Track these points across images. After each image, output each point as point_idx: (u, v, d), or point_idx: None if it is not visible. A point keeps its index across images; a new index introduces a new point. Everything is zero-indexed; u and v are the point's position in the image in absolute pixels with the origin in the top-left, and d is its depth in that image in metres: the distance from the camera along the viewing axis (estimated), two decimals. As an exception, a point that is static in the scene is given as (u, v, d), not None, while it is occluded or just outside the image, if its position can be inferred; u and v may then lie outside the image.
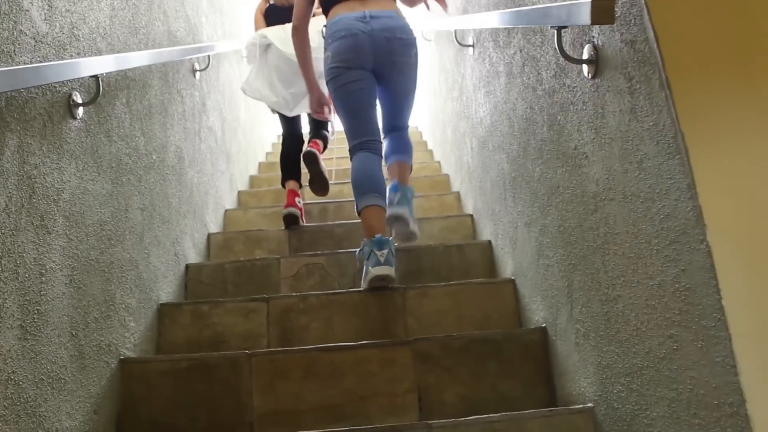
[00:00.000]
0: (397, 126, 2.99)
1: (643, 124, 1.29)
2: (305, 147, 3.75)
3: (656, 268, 1.29)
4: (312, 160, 3.64)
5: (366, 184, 2.70)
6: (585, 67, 1.58)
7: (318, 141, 3.81)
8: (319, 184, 3.66)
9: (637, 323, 1.41)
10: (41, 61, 1.74)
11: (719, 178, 1.11)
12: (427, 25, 4.42)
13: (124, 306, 2.24)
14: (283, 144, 3.93)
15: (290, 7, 3.45)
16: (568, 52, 1.66)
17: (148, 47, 2.67)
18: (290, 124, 3.93)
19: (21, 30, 1.65)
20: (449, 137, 4.24)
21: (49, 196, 1.75)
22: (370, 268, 2.55)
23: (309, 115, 3.85)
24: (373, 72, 2.85)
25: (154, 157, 2.64)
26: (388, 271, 2.53)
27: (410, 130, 3.20)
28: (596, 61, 1.52)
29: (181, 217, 3.01)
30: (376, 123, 2.93)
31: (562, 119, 1.80)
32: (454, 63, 3.78)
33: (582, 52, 1.59)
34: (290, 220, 3.53)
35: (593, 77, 1.54)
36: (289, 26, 3.35)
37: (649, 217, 1.31)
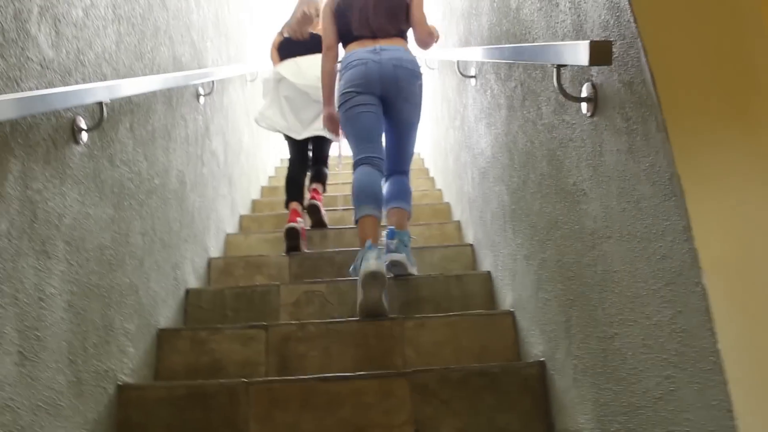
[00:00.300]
0: (398, 169, 3.16)
1: (640, 165, 1.30)
2: (307, 198, 4.05)
3: (653, 308, 1.30)
4: (314, 211, 4.00)
5: (364, 196, 2.91)
6: (584, 105, 1.59)
7: (318, 186, 4.11)
8: (318, 226, 4.04)
9: (635, 362, 1.41)
10: (47, 87, 1.76)
11: (715, 222, 1.11)
12: (430, 54, 4.46)
13: (123, 331, 2.25)
14: (289, 167, 4.14)
15: (303, 41, 4.08)
16: (567, 90, 1.68)
17: (153, 72, 2.69)
18: (298, 149, 4.17)
19: (28, 56, 1.67)
20: (451, 166, 4.26)
21: (51, 221, 1.76)
22: (361, 269, 2.66)
23: (313, 144, 4.19)
24: (381, 99, 3.09)
25: (156, 182, 2.65)
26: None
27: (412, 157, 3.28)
28: (595, 100, 1.54)
29: (182, 242, 3.02)
30: (381, 144, 3.12)
31: (561, 155, 1.81)
32: (457, 92, 3.81)
33: (581, 90, 1.61)
34: (291, 235, 3.64)
35: (592, 115, 1.56)
36: (300, 59, 3.94)
37: (645, 257, 1.31)
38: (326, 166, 4.25)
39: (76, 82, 1.94)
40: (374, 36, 3.14)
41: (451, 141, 4.19)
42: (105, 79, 2.16)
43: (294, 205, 3.89)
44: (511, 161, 2.42)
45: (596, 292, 1.61)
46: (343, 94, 3.11)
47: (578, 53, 1.37)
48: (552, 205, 1.94)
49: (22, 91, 1.63)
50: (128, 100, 2.39)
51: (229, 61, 4.39)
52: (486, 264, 3.13)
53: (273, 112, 4.06)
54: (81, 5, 1.99)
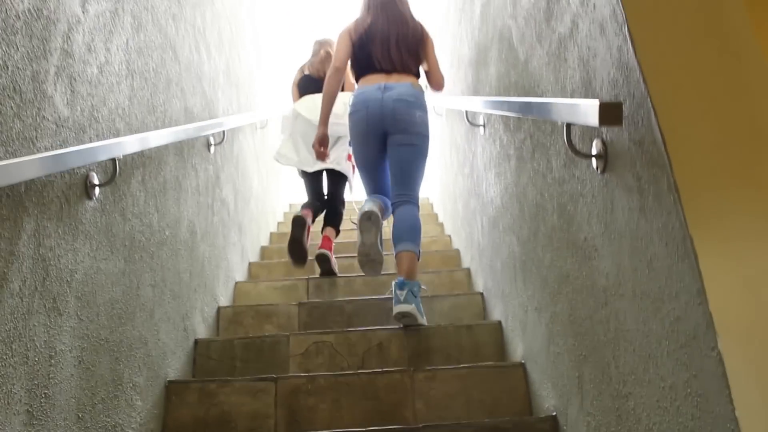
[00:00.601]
0: (405, 197, 3.22)
1: (653, 224, 1.30)
2: (317, 244, 4.14)
3: (667, 370, 1.28)
4: (323, 260, 4.05)
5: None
6: (594, 161, 1.60)
7: (331, 233, 4.19)
8: (328, 275, 4.09)
9: (649, 423, 1.39)
10: (61, 145, 1.78)
11: (730, 285, 1.11)
12: (439, 101, 4.50)
13: (131, 385, 2.23)
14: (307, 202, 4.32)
15: (321, 79, 4.13)
16: (576, 145, 1.69)
17: (165, 124, 2.72)
18: (313, 187, 4.36)
19: (44, 116, 1.69)
20: (460, 212, 4.26)
21: (63, 277, 1.77)
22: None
23: (328, 181, 4.40)
24: (384, 133, 3.27)
25: (167, 233, 2.66)
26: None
27: (421, 202, 3.40)
28: (605, 157, 1.54)
29: (192, 292, 3.01)
30: (387, 182, 3.36)
31: (572, 209, 1.81)
32: (465, 140, 3.83)
33: (591, 147, 1.61)
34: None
35: (602, 172, 1.56)
36: (317, 96, 3.98)
37: (659, 317, 1.30)
38: (341, 205, 4.33)
39: (90, 139, 1.96)
40: (390, 71, 3.32)
41: (460, 187, 4.20)
42: (118, 134, 2.18)
43: (328, 231, 4.16)
44: (521, 212, 2.42)
45: (609, 350, 1.60)
46: (351, 133, 3.41)
47: (588, 113, 1.38)
48: (563, 259, 1.93)
49: (38, 150, 1.64)
50: (140, 153, 2.41)
51: (239, 109, 4.43)
52: (496, 313, 3.12)
53: (287, 149, 4.24)
54: (96, 63, 2.02)
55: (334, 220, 4.25)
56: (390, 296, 3.04)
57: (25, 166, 1.47)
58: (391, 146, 3.26)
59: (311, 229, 4.05)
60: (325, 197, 4.37)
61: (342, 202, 4.33)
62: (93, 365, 1.94)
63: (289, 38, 8.05)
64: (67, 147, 1.79)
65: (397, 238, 3.08)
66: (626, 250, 1.45)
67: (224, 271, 3.71)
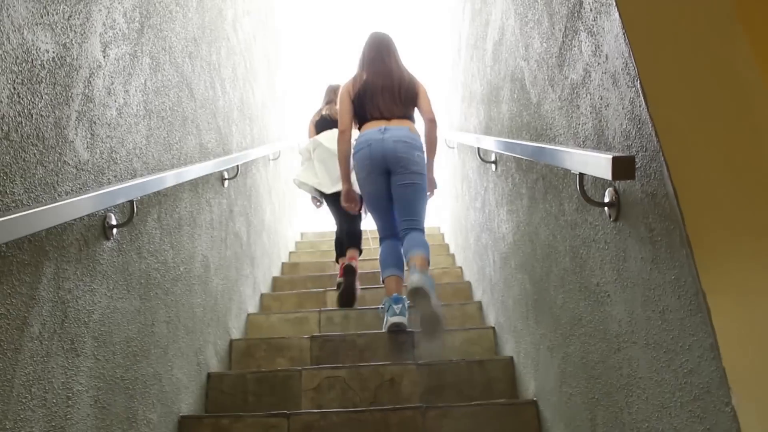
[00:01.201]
0: (411, 226, 3.53)
1: (665, 276, 1.32)
2: (348, 258, 4.34)
3: (681, 422, 1.29)
4: (350, 272, 4.15)
5: (388, 261, 3.57)
6: (606, 209, 1.62)
7: (355, 252, 4.41)
8: (346, 297, 4.07)
9: (663, 473, 1.39)
10: (81, 188, 1.81)
11: (743, 341, 1.12)
12: (450, 136, 4.53)
13: (145, 421, 2.25)
14: (336, 230, 4.66)
15: (335, 120, 4.39)
16: (588, 192, 1.70)
17: (181, 161, 2.76)
18: (335, 207, 4.53)
19: (65, 161, 1.73)
20: (471, 245, 4.28)
21: (81, 318, 1.79)
22: (388, 317, 3.41)
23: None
24: (387, 171, 3.59)
25: (181, 269, 2.69)
26: (401, 320, 3.39)
27: (432, 231, 3.60)
28: (618, 205, 1.56)
29: (205, 326, 3.03)
30: (395, 218, 3.64)
31: (585, 253, 1.83)
32: (477, 174, 3.86)
33: (603, 195, 1.63)
34: (348, 270, 4.13)
35: (615, 220, 1.58)
36: (335, 130, 4.19)
37: (672, 368, 1.31)
38: (359, 228, 4.61)
39: (109, 180, 2.00)
40: (388, 117, 3.65)
41: (471, 221, 4.22)
42: (135, 174, 2.22)
43: (341, 260, 4.40)
44: (534, 251, 2.43)
45: (622, 395, 1.60)
46: (359, 181, 3.72)
47: (601, 166, 1.40)
48: (575, 302, 1.94)
49: (59, 194, 1.68)
50: (157, 192, 2.45)
51: (252, 142, 4.48)
52: (508, 349, 3.12)
53: (307, 174, 4.68)
54: (115, 105, 2.06)
55: (354, 242, 4.49)
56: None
57: (47, 214, 1.50)
58: (394, 185, 3.58)
59: None
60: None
61: (359, 239, 4.57)
62: (108, 404, 1.95)
63: (302, 67, 8.23)
64: (86, 190, 1.82)
65: (409, 248, 3.40)
66: (639, 298, 1.46)
67: (236, 304, 3.73)
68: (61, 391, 1.67)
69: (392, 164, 3.55)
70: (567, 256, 2.00)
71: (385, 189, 3.61)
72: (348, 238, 4.48)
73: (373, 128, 3.62)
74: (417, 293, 3.10)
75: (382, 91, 3.67)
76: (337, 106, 3.82)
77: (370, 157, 3.56)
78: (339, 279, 4.21)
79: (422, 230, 3.55)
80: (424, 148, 3.67)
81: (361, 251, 4.48)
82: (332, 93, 5.08)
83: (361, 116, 3.72)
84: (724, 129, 1.29)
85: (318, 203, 4.91)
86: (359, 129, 3.75)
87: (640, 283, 1.45)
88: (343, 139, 3.71)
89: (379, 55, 3.82)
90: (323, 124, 4.89)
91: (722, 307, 1.15)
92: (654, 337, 1.39)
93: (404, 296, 3.41)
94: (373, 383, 2.97)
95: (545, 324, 2.34)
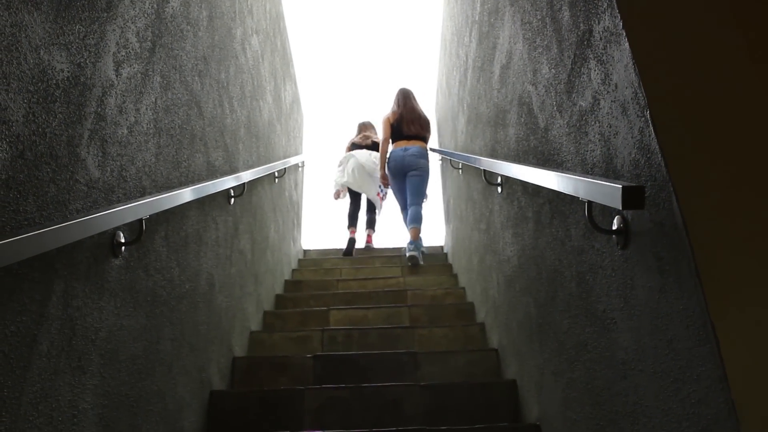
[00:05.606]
0: (414, 202, 6.12)
1: (673, 306, 1.32)
2: (363, 240, 7.36)
3: (688, 452, 1.29)
4: (351, 242, 6.94)
5: (410, 219, 6.04)
6: (614, 237, 1.62)
7: (371, 232, 7.37)
8: (347, 253, 6.83)
9: (669, 503, 1.39)
10: (92, 206, 1.82)
11: (753, 373, 1.12)
12: (454, 157, 4.55)
13: (148, 440, 2.24)
14: (349, 207, 7.39)
15: (365, 145, 7.30)
16: (596, 218, 1.71)
17: (189, 179, 2.77)
18: (356, 200, 7.41)
19: (76, 179, 1.74)
20: (475, 266, 4.28)
21: (88, 336, 1.80)
22: (409, 251, 5.80)
23: (367, 201, 7.39)
24: (404, 173, 6.31)
25: (186, 287, 2.69)
26: (415, 253, 5.78)
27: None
28: (626, 233, 1.57)
29: (209, 344, 3.03)
30: (406, 197, 6.31)
31: (591, 280, 1.83)
32: (482, 196, 3.87)
33: (612, 222, 1.64)
34: (350, 241, 6.96)
35: (623, 248, 1.59)
36: (364, 151, 7.15)
37: (679, 398, 1.31)
38: (376, 215, 7.41)
39: (118, 198, 2.01)
40: (410, 138, 6.38)
41: (475, 242, 4.23)
42: (144, 192, 2.23)
43: (351, 229, 7.11)
44: (539, 275, 2.44)
45: (628, 423, 1.60)
46: (388, 173, 6.46)
47: (610, 194, 1.40)
48: (581, 327, 1.95)
49: (69, 212, 1.69)
50: (164, 210, 2.46)
51: (258, 160, 4.50)
52: (511, 371, 3.11)
53: (342, 175, 7.10)
54: (126, 124, 2.08)
55: (371, 224, 7.38)
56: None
57: (59, 233, 1.51)
58: (408, 177, 6.27)
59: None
60: (361, 208, 7.40)
61: (375, 222, 7.43)
62: (113, 422, 1.95)
63: (310, 81, 9.09)
64: (96, 208, 1.83)
65: (411, 221, 5.98)
66: (646, 327, 1.46)
67: (240, 321, 3.74)
68: (68, 409, 1.67)
69: (407, 168, 6.28)
70: (573, 281, 2.01)
71: (403, 182, 6.33)
72: (350, 219, 7.17)
73: (399, 147, 6.34)
74: (410, 260, 5.76)
75: (410, 121, 6.38)
76: (381, 126, 6.46)
77: (396, 167, 6.32)
78: (347, 243, 6.87)
79: (421, 205, 6.09)
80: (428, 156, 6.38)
81: (374, 230, 7.36)
82: (362, 127, 7.78)
83: (397, 134, 6.39)
84: (734, 160, 1.30)
85: (339, 196, 7.23)
86: (392, 142, 6.41)
87: (648, 311, 1.45)
88: (385, 144, 6.40)
89: (408, 100, 6.53)
90: (354, 148, 7.34)
91: (731, 338, 1.15)
92: (661, 365, 1.39)
93: (419, 239, 5.87)
94: (376, 403, 2.97)
95: (550, 348, 2.34)
